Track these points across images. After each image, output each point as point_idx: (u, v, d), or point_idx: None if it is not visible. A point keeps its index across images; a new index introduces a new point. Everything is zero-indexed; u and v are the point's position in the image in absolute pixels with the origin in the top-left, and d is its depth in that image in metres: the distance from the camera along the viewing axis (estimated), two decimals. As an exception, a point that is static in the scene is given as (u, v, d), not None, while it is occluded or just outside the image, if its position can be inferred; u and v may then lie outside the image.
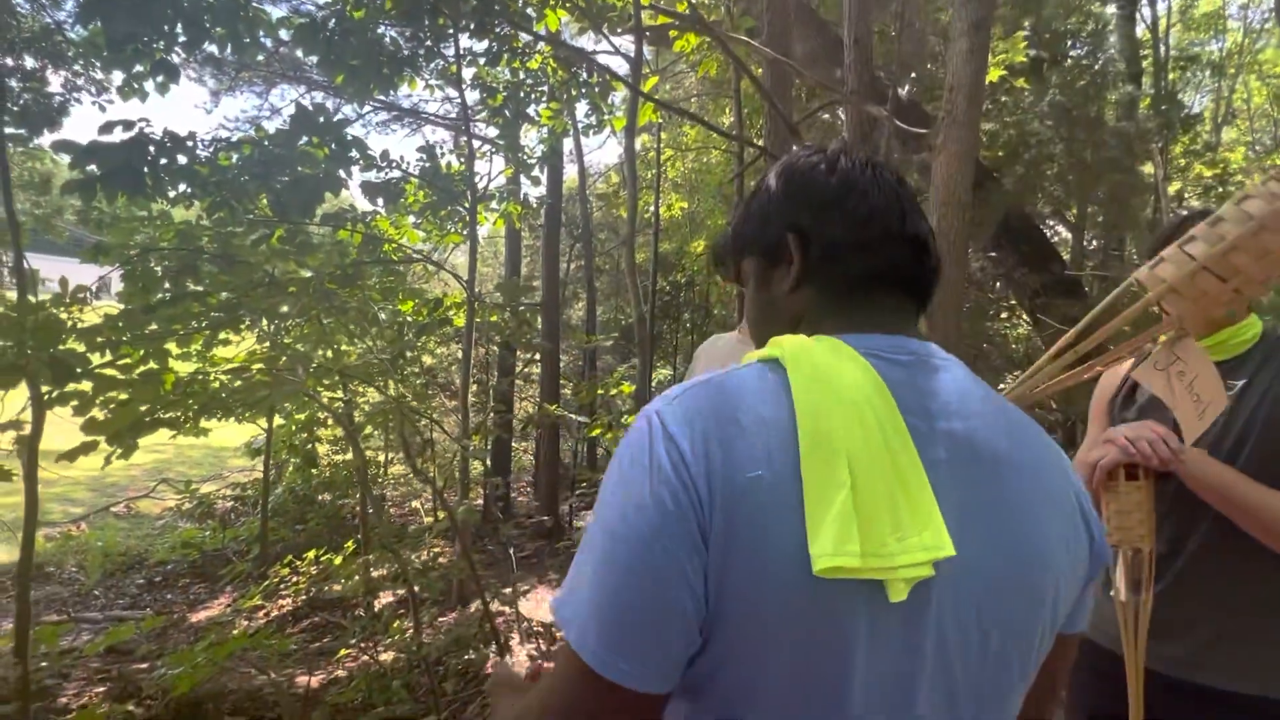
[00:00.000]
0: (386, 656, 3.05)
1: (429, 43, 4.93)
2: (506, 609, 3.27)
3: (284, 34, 4.66)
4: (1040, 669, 0.68)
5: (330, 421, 6.51)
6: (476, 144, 5.28)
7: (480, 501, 7.21)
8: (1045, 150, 5.57)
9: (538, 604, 4.79)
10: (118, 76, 4.31)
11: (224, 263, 3.90)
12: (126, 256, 3.67)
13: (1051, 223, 6.67)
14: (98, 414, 2.94)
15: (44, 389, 2.88)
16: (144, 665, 3.72)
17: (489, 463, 6.72)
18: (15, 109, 4.59)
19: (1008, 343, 7.22)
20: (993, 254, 5.06)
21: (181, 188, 4.16)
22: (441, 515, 7.71)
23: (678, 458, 0.57)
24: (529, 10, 4.54)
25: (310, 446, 6.91)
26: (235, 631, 4.17)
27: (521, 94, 5.30)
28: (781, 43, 4.61)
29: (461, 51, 4.81)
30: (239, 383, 3.50)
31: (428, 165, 4.86)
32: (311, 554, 4.79)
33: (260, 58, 7.34)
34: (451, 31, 4.74)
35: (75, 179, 3.65)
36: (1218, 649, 1.22)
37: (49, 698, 3.01)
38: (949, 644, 0.59)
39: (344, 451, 7.61)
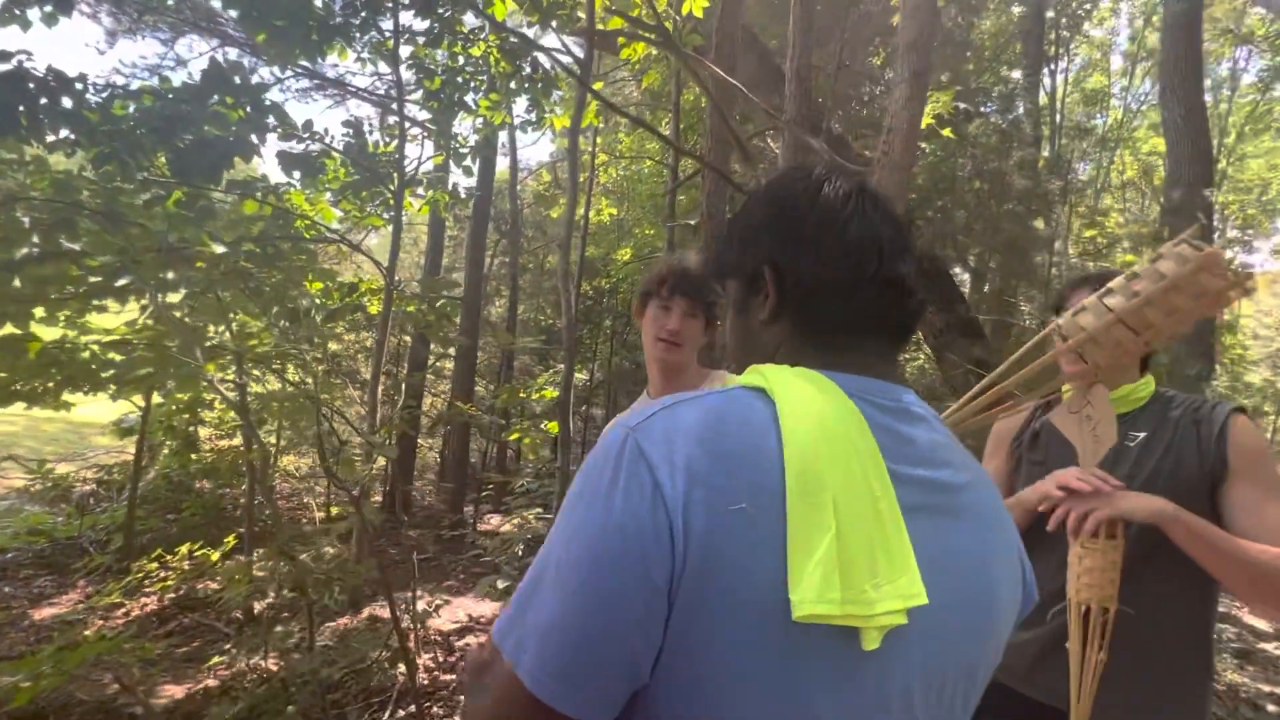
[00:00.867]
0: (271, 666, 2.80)
1: (365, 13, 4.66)
2: (409, 617, 3.09)
3: (202, -20, 4.28)
4: None
5: (218, 403, 6.00)
6: (406, 126, 5.04)
7: (377, 499, 6.86)
8: (960, 199, 5.96)
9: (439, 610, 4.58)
10: (-3, -1, 3.82)
11: (108, 221, 3.51)
12: (-12, 203, 3.23)
13: (956, 267, 7.14)
14: (-62, 381, 2.55)
15: None
16: (-30, 669, 3.26)
17: (392, 460, 6.41)
18: None
19: (904, 375, 7.67)
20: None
21: (64, 133, 3.73)
22: (335, 511, 7.27)
23: (651, 483, 0.54)
24: (476, -4, 4.39)
25: (192, 429, 6.34)
26: (88, 633, 3.73)
27: (460, 80, 5.11)
28: (727, 64, 4.69)
29: (400, 27, 4.58)
30: (117, 356, 3.15)
31: (353, 142, 4.59)
32: (185, 548, 4.38)
33: (170, 1, 6.73)
34: (391, 4, 4.51)
35: (-67, 109, 3.19)
36: (1115, 688, 1.26)
37: None
38: (914, 690, 0.58)
39: (230, 437, 7.04)
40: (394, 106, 6.86)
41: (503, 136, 8.72)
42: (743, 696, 0.52)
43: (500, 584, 3.38)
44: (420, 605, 3.15)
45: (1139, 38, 15.70)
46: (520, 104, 5.44)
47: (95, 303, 3.67)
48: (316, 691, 2.09)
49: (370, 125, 5.47)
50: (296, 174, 4.82)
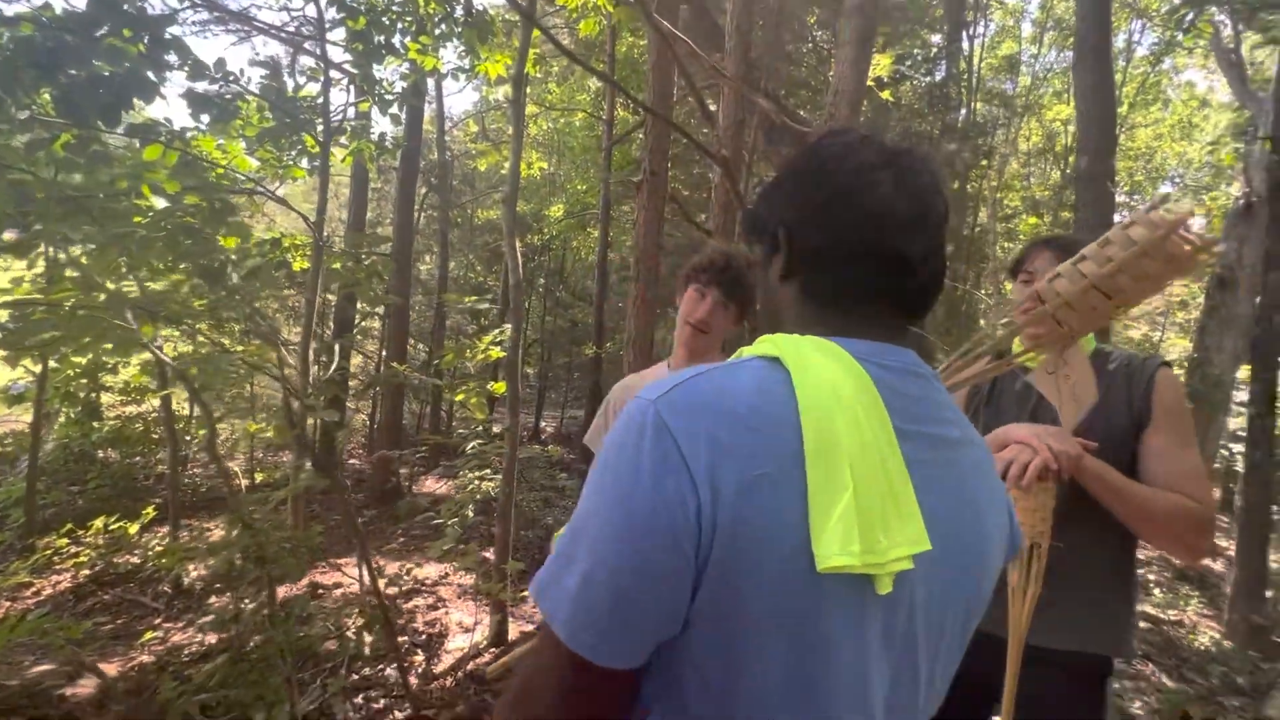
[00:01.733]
0: (210, 639, 2.70)
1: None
2: (366, 580, 3.03)
3: (85, -108, 3.79)
4: None
5: (123, 368, 5.56)
6: (328, 70, 4.69)
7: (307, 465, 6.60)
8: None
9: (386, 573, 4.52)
10: None
11: (-11, 167, 3.13)
12: None
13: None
14: None
15: None
16: None
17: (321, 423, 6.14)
18: None
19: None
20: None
21: (-75, 65, 3.27)
22: (261, 477, 6.95)
23: (676, 454, 0.57)
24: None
25: (94, 396, 5.86)
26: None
27: (386, 20, 4.78)
28: (669, 18, 4.60)
29: (319, -42, 4.22)
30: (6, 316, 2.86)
31: (271, 85, 4.23)
32: (99, 522, 4.10)
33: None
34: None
35: None
36: (1044, 614, 1.43)
37: None
38: (917, 628, 0.64)
39: (137, 403, 6.56)
40: (307, 45, 6.38)
41: (428, 84, 8.27)
42: (774, 641, 0.57)
43: (444, 546, 3.36)
44: (391, 570, 3.09)
45: (1048, 6, 16.35)
46: (451, 49, 5.14)
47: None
48: (293, 662, 2.04)
49: (285, 67, 5.07)
50: (205, 118, 4.43)
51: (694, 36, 6.17)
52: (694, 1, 6.23)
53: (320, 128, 4.43)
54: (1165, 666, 5.21)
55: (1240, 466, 6.64)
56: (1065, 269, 0.96)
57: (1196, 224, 0.83)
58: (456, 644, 3.64)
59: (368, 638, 2.39)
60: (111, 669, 2.93)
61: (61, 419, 6.41)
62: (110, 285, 3.30)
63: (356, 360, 9.20)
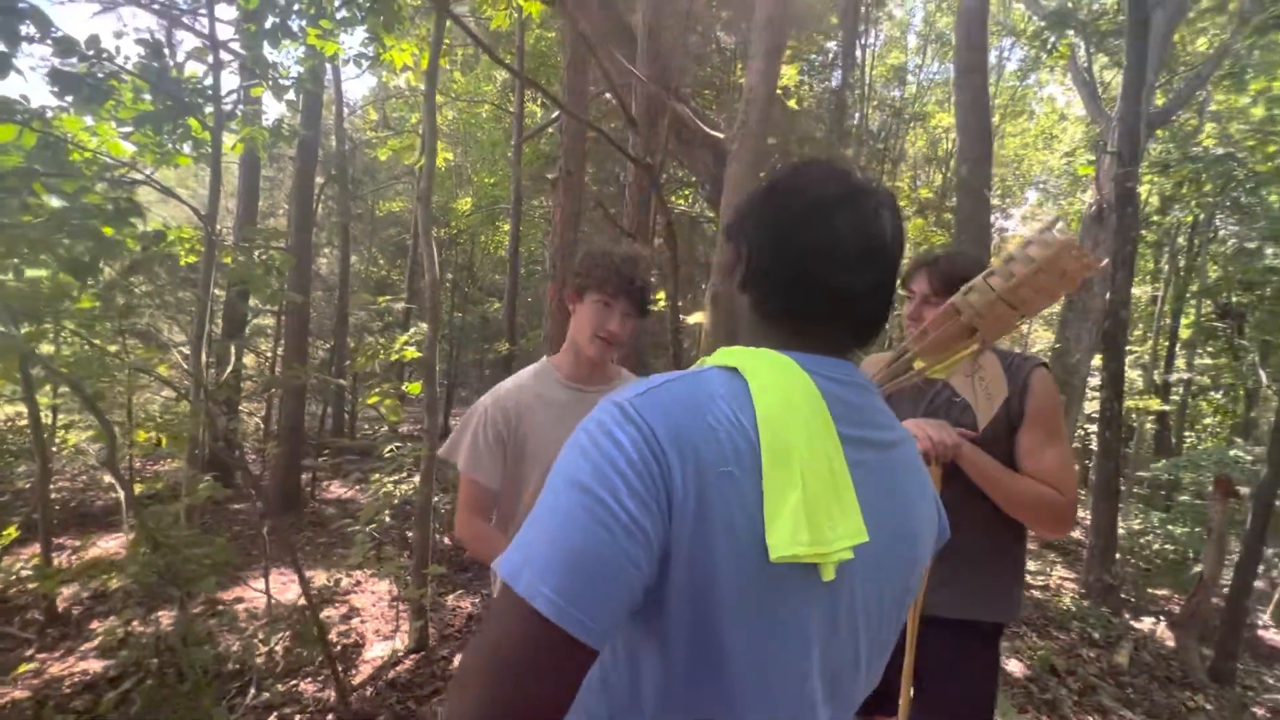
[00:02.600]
0: (94, 666, 2.49)
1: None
2: (262, 594, 2.88)
3: None
4: None
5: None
6: (218, 52, 4.36)
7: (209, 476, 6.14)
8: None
9: (286, 586, 4.29)
10: None
11: None
12: None
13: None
14: None
15: None
16: None
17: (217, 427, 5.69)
18: None
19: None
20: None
21: None
22: (140, 488, 6.38)
23: (650, 435, 0.63)
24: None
25: (-65, 405, 5.18)
26: None
27: (282, 1, 4.50)
28: (580, 15, 4.60)
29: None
30: None
31: (152, 64, 3.89)
32: (-49, 546, 3.65)
33: None
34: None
35: None
36: (944, 590, 1.59)
37: None
38: (858, 612, 0.72)
39: (-11, 412, 5.86)
40: (193, 23, 5.92)
41: (327, 69, 7.83)
42: (735, 622, 0.64)
43: (362, 553, 3.25)
44: (320, 581, 2.93)
45: (930, 19, 17.52)
46: (354, 35, 4.91)
47: None
48: (212, 682, 1.91)
49: (165, 44, 4.66)
50: (69, 98, 4.01)
51: (605, 35, 6.20)
52: (604, 1, 6.26)
53: (210, 112, 4.12)
54: (1035, 626, 5.79)
55: (1094, 445, 7.46)
56: (977, 283, 1.08)
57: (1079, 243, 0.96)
58: (375, 653, 3.54)
59: (297, 652, 2.28)
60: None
61: (-107, 432, 5.63)
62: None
63: (250, 360, 8.60)
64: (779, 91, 4.28)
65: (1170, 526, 8.07)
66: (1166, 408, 14.04)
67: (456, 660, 3.64)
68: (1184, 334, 14.67)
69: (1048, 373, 1.59)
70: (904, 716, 1.55)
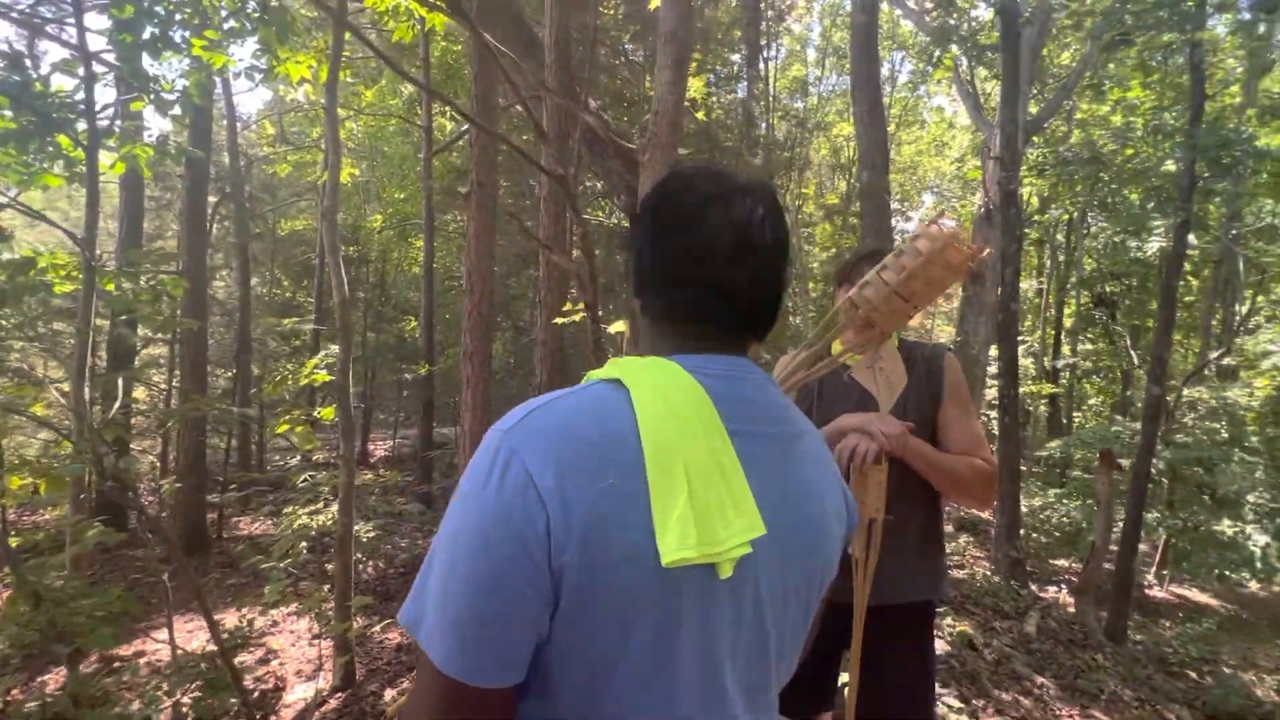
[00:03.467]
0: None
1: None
2: (167, 645, 2.66)
3: None
4: None
5: None
6: (90, 64, 4.04)
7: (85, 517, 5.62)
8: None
9: (194, 633, 3.98)
10: None
11: None
12: None
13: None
14: None
15: None
16: None
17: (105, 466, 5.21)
18: None
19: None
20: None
21: None
22: (16, 541, 5.77)
23: (524, 475, 0.63)
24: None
25: None
26: None
27: (161, 10, 4.23)
28: (487, 27, 4.56)
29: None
30: None
31: (14, 79, 3.56)
32: None
33: None
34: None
35: None
36: (883, 577, 1.61)
37: None
38: (764, 605, 0.72)
39: None
40: (50, 30, 5.49)
41: (216, 82, 7.39)
42: (634, 631, 0.65)
43: (278, 591, 3.06)
44: (231, 624, 2.72)
45: (827, 34, 18.40)
46: (246, 46, 4.67)
47: None
48: None
49: (26, 55, 4.29)
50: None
51: (512, 48, 6.17)
52: (511, 12, 6.23)
53: (83, 130, 3.81)
54: (953, 604, 6.12)
55: (995, 430, 8.00)
56: (872, 278, 1.13)
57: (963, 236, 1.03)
58: (296, 695, 3.33)
59: (206, 704, 2.11)
60: None
61: None
62: None
63: (141, 394, 7.95)
64: (688, 103, 4.39)
65: (1065, 501, 8.72)
66: (1056, 391, 15.21)
67: (387, 695, 3.49)
68: (1067, 323, 15.95)
69: (954, 357, 1.74)
70: (852, 706, 1.60)
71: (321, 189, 6.97)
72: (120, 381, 3.48)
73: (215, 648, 2.12)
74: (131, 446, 6.78)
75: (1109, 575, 6.96)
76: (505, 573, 0.61)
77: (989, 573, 7.32)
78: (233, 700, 2.43)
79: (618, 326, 3.22)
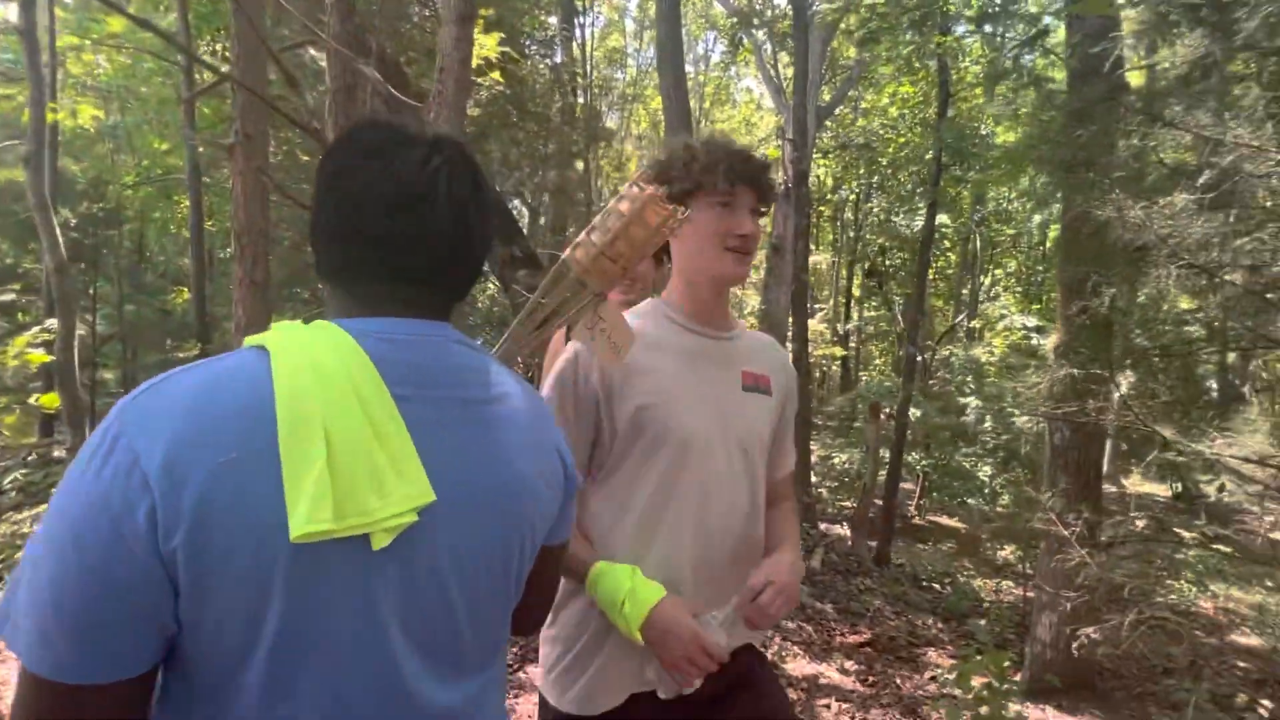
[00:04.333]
0: None
1: None
2: None
3: None
4: (531, 579, 0.87)
5: None
6: None
7: None
8: (512, 135, 6.40)
9: None
10: None
11: None
12: None
13: (516, 203, 7.72)
14: None
15: None
16: None
17: None
18: None
19: (477, 304, 8.13)
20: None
21: None
22: None
23: (131, 459, 0.58)
24: None
25: None
26: None
27: None
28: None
29: None
30: None
31: None
32: None
33: None
34: None
35: None
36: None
37: None
38: (444, 570, 0.70)
39: None
40: None
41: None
42: (269, 615, 0.61)
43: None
44: None
45: (644, 6, 18.63)
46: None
47: None
48: None
49: None
50: None
51: (289, -18, 5.48)
52: (284, -58, 5.53)
53: None
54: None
55: (790, 389, 8.84)
56: (582, 240, 1.14)
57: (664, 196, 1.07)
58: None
59: None
60: None
61: None
62: None
63: None
64: (482, 62, 4.19)
65: (849, 449, 9.90)
66: (846, 354, 17.11)
67: None
68: (856, 292, 17.93)
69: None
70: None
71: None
72: None
73: None
74: None
75: (878, 510, 8.04)
76: (100, 566, 0.56)
77: (784, 518, 8.13)
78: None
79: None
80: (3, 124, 8.65)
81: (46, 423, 6.25)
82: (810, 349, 11.34)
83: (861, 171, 13.83)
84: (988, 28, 7.72)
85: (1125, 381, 3.44)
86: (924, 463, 9.15)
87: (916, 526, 9.46)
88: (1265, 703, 3.36)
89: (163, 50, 7.80)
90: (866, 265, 15.36)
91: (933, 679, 4.25)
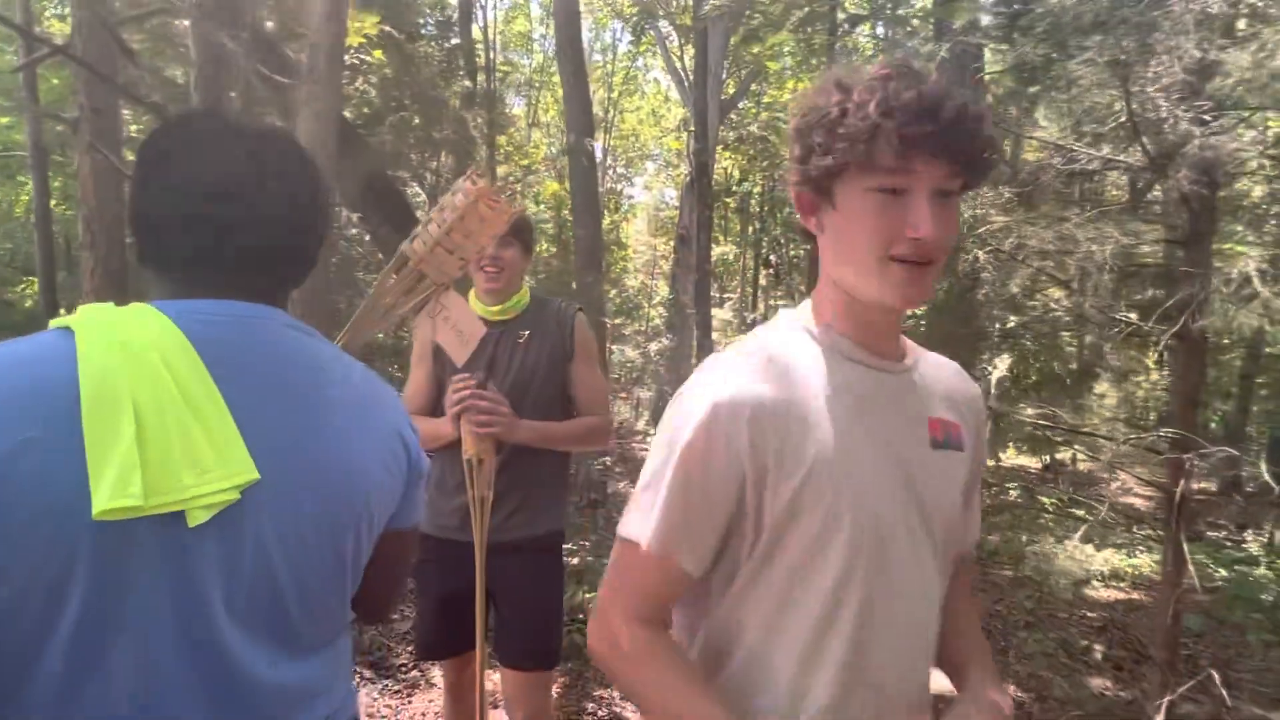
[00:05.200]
0: None
1: None
2: None
3: None
4: (375, 561, 0.88)
5: None
6: None
7: None
8: (407, 120, 6.16)
9: None
10: None
11: None
12: None
13: (412, 187, 7.45)
14: None
15: None
16: None
17: None
18: None
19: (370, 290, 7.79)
20: (358, 211, 5.35)
21: None
22: None
23: None
24: None
25: None
26: None
27: None
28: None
29: None
30: None
31: None
32: None
33: None
34: None
35: None
36: (513, 517, 1.83)
37: None
38: (269, 548, 0.72)
39: None
40: None
41: None
42: (70, 596, 0.61)
43: None
44: None
45: (549, -8, 18.33)
46: None
47: None
48: None
49: None
50: None
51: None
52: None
53: None
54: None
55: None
56: (420, 232, 1.17)
57: (495, 189, 1.12)
58: None
59: None
60: None
61: None
62: None
63: None
64: (365, 40, 4.00)
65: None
66: (752, 341, 17.62)
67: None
68: (763, 282, 18.49)
69: (584, 315, 1.96)
70: (481, 636, 1.70)
71: None
72: None
73: None
74: None
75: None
76: None
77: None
78: None
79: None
80: None
81: None
82: (717, 338, 11.62)
83: (763, 165, 14.24)
84: (880, 29, 8.14)
85: (1001, 364, 3.73)
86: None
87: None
88: (1099, 646, 3.76)
89: None
90: (762, 256, 15.89)
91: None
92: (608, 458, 7.12)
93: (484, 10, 13.48)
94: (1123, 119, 2.24)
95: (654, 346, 13.45)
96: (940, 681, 0.90)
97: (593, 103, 8.31)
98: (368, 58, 6.11)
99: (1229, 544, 6.13)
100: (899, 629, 0.83)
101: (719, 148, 12.94)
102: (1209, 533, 6.42)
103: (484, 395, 1.63)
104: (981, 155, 0.76)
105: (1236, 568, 5.14)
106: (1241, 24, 2.28)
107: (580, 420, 1.89)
